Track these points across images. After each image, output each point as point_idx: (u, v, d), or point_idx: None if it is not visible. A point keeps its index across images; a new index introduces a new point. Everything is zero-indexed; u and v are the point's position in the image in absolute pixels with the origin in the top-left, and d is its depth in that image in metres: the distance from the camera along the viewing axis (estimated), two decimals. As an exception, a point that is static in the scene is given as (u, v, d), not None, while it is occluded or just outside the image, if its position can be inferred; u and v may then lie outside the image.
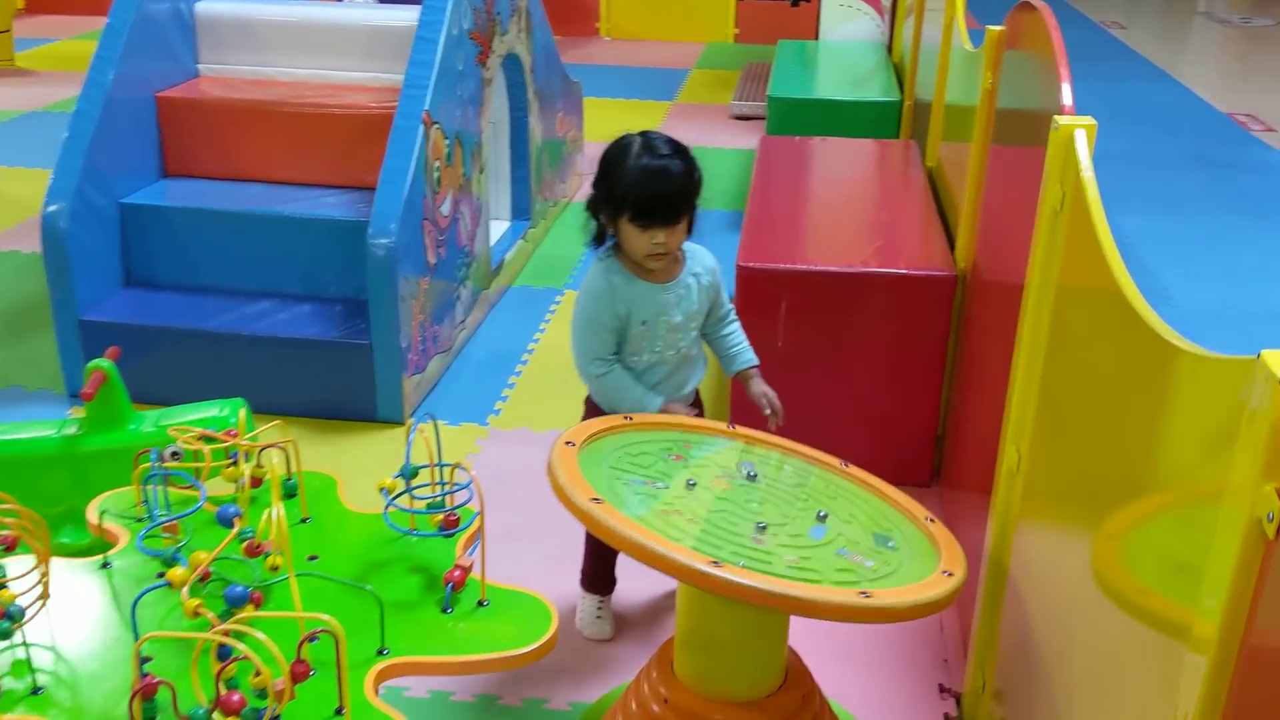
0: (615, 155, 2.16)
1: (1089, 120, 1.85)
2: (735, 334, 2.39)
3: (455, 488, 1.74)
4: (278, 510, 1.51)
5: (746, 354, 2.38)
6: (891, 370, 2.92)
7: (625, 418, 2.06)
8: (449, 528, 1.75)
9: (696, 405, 2.40)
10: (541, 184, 4.69)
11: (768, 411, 2.34)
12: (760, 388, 2.36)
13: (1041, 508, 1.92)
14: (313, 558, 1.80)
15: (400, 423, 3.33)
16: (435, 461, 1.78)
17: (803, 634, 2.42)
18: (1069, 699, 1.67)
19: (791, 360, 2.92)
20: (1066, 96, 1.95)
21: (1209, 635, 1.09)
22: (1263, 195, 5.64)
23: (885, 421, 2.97)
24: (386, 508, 1.71)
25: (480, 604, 1.68)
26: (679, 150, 2.16)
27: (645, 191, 2.09)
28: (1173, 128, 6.74)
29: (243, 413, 1.90)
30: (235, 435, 1.88)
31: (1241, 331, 3.98)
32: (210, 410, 2.66)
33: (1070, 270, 1.82)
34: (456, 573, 1.68)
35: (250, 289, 3.50)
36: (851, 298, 2.86)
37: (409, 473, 1.75)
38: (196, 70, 3.91)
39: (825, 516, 1.88)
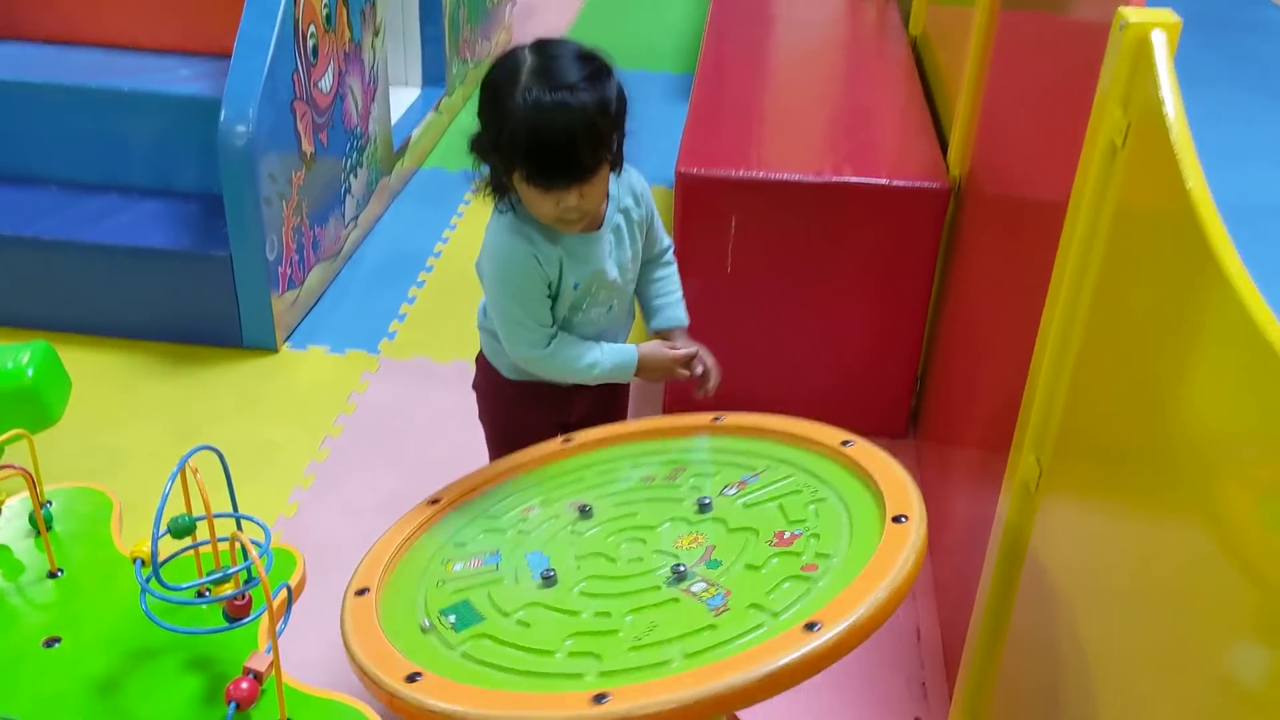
0: (499, 81, 1.53)
1: (1168, 14, 1.29)
2: (668, 280, 1.84)
3: (240, 565, 1.20)
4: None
5: (676, 310, 1.84)
6: (864, 302, 2.38)
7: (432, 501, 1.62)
8: (237, 614, 1.22)
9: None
10: (459, 42, 4.02)
11: (699, 371, 1.80)
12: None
13: (1078, 506, 1.42)
14: (52, 641, 1.27)
15: (273, 349, 2.76)
16: (235, 512, 1.24)
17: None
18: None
19: (741, 289, 2.38)
20: (1134, -25, 1.37)
21: None
22: (1271, 64, 5.06)
23: (854, 363, 2.45)
24: (142, 594, 1.17)
25: (280, 728, 1.17)
26: (588, 73, 1.51)
27: (538, 141, 1.49)
28: (1169, -19, 6.08)
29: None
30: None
31: (1261, 234, 3.47)
32: (3, 362, 2.08)
33: (1131, 228, 1.28)
34: (244, 684, 1.16)
35: (86, 181, 2.87)
36: (818, 213, 2.30)
37: (181, 528, 1.20)
38: (24, -98, 3.20)
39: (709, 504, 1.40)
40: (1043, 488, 1.51)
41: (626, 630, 1.24)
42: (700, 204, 2.31)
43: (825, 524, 1.34)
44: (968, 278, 2.15)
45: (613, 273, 1.68)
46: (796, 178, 2.28)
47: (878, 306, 2.38)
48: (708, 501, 1.43)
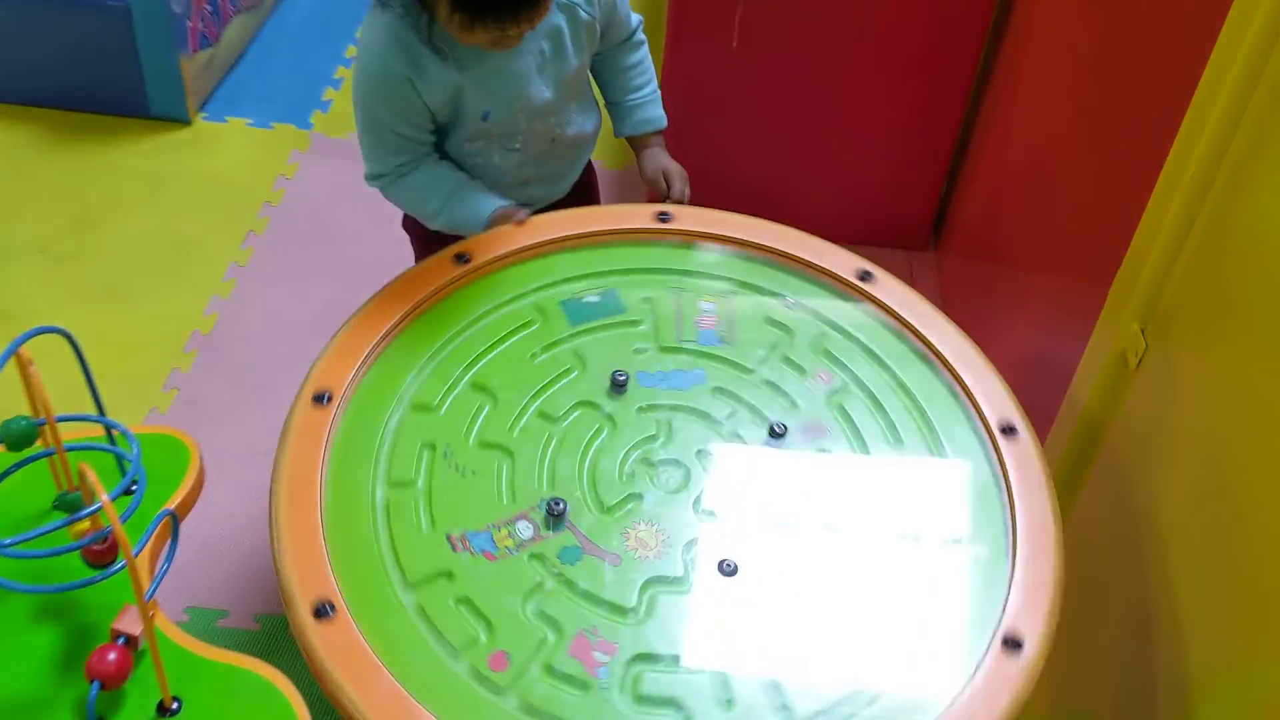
0: None
1: None
2: (639, 70, 1.46)
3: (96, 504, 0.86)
4: None
5: (652, 110, 1.47)
6: (892, 87, 2.00)
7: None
8: (98, 560, 0.89)
9: (586, 186, 1.51)
10: None
11: (674, 195, 1.44)
12: (660, 162, 1.46)
13: (1196, 386, 1.13)
14: None
15: (185, 121, 2.34)
16: (100, 416, 0.89)
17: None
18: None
19: (748, 67, 1.99)
20: None
21: None
22: None
23: (872, 162, 2.10)
24: (-41, 534, 0.84)
25: (164, 710, 0.87)
26: None
27: None
28: None
29: None
30: None
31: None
32: None
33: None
34: (111, 654, 0.85)
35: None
36: (845, -20, 1.88)
37: (17, 436, 0.86)
38: None
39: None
40: (1146, 363, 1.20)
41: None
42: (703, -37, 1.88)
43: None
44: (1028, 66, 1.77)
45: (544, 94, 1.31)
46: (823, -67, 1.85)
47: (908, 92, 2.00)
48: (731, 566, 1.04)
